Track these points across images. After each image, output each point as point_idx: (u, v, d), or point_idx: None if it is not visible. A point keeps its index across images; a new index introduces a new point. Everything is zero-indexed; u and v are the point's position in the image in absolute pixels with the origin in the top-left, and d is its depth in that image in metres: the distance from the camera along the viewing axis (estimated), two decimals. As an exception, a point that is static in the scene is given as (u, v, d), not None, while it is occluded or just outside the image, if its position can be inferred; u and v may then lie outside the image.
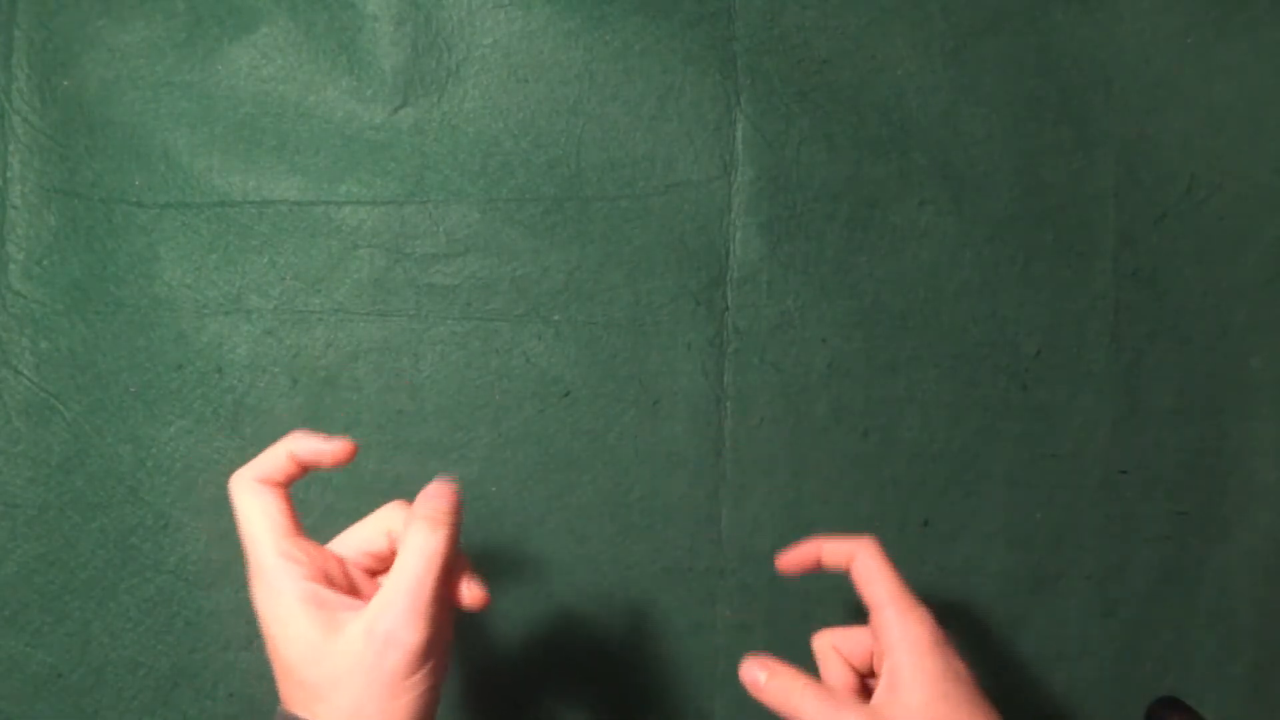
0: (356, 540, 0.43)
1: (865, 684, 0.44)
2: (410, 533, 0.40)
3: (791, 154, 0.54)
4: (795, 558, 0.45)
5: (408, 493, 0.53)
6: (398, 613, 0.38)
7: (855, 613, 0.54)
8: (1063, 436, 0.54)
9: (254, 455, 0.53)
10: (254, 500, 0.41)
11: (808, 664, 0.54)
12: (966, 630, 0.54)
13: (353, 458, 0.43)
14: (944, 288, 0.54)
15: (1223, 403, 0.54)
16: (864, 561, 0.42)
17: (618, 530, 0.53)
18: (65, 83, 0.53)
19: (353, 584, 0.42)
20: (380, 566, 0.43)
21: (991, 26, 0.55)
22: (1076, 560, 0.54)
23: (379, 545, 0.43)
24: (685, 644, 0.53)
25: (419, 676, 0.38)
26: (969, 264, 0.54)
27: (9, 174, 0.53)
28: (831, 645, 0.45)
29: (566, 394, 0.54)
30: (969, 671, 0.41)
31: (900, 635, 0.40)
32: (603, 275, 0.54)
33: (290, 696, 0.39)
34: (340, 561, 0.42)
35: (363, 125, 0.54)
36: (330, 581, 0.40)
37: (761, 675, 0.42)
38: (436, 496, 0.41)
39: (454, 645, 0.43)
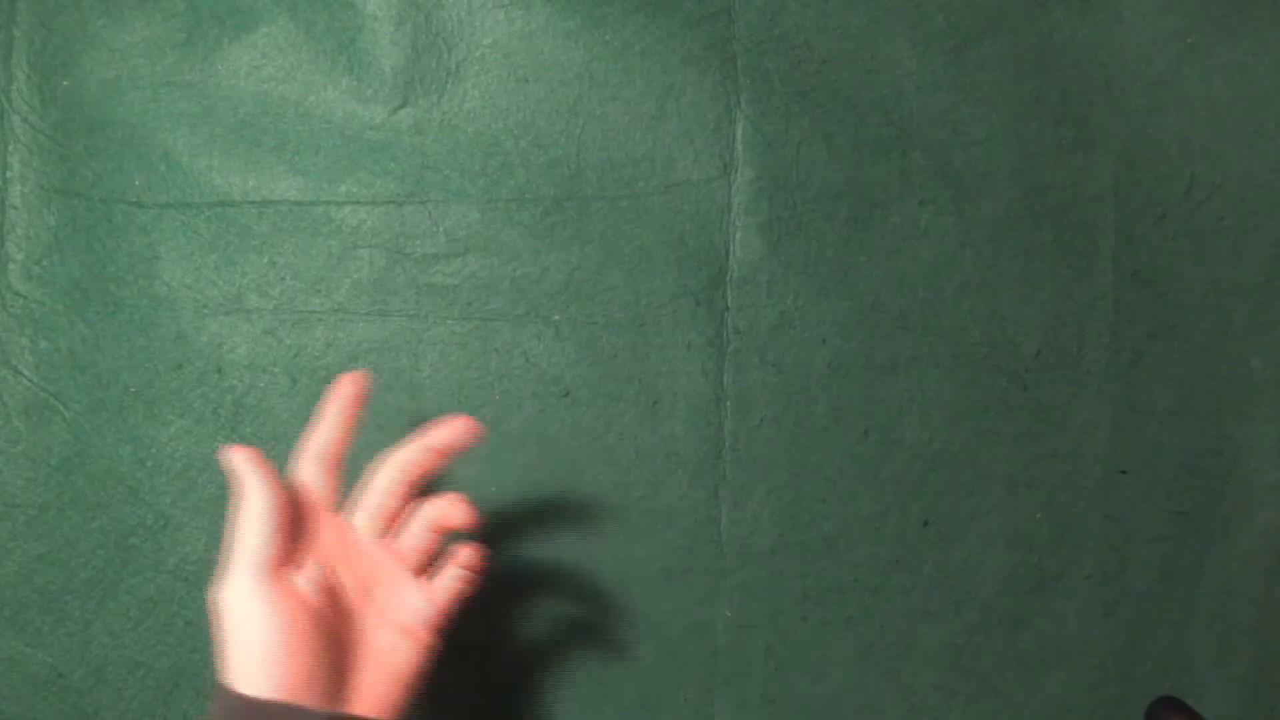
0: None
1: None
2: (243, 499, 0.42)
3: (791, 154, 0.54)
4: None
5: (408, 493, 0.53)
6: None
7: (854, 616, 0.54)
8: (1063, 436, 0.54)
9: (254, 455, 0.53)
10: None
11: (809, 666, 0.54)
12: (967, 630, 0.54)
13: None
14: (944, 288, 0.54)
15: (1223, 403, 0.54)
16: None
17: (618, 530, 0.53)
18: (65, 83, 0.53)
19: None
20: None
21: (991, 26, 0.55)
22: (1076, 560, 0.54)
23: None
24: (685, 644, 0.53)
25: (259, 611, 0.39)
26: (969, 264, 0.54)
27: (9, 174, 0.53)
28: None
29: (566, 394, 0.54)
30: None
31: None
32: (603, 275, 0.54)
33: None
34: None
35: (363, 125, 0.54)
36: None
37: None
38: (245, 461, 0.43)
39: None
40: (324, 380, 0.53)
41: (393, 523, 0.46)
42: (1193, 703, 0.52)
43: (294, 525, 0.43)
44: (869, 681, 0.54)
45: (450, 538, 0.46)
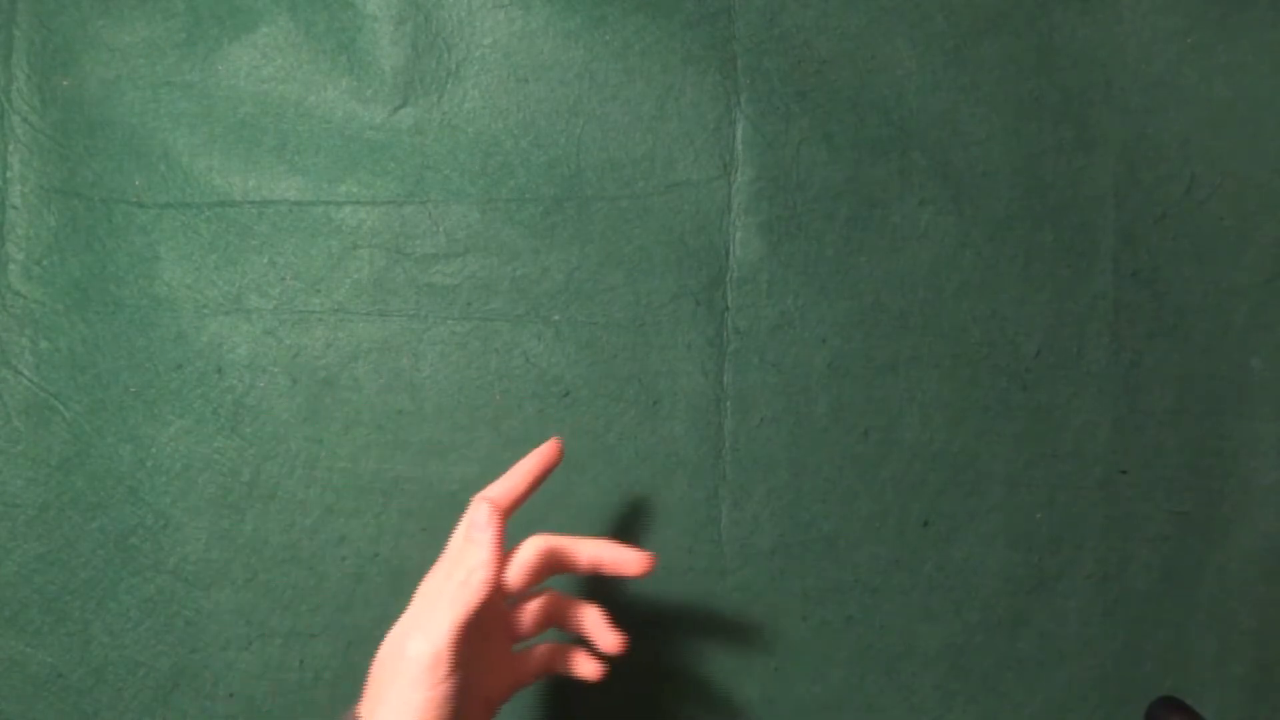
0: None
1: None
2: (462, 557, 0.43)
3: (791, 154, 0.54)
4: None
5: (407, 493, 0.53)
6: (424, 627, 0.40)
7: (854, 616, 0.54)
8: (1063, 436, 0.54)
9: (254, 455, 0.53)
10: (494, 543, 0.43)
11: (809, 666, 0.54)
12: (967, 630, 0.54)
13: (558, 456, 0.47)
14: (944, 288, 0.54)
15: (1223, 403, 0.54)
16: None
17: (618, 530, 0.53)
18: (65, 83, 0.53)
19: None
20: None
21: (991, 26, 0.55)
22: (1076, 560, 0.54)
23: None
24: (685, 644, 0.53)
25: (433, 689, 0.39)
26: (969, 264, 0.54)
27: (9, 174, 0.53)
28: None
29: (566, 394, 0.54)
30: None
31: None
32: (603, 275, 0.54)
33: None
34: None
35: (363, 125, 0.54)
36: None
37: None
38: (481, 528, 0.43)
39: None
40: (324, 380, 0.53)
41: (517, 591, 0.46)
42: (1193, 703, 0.52)
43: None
44: (869, 681, 0.54)
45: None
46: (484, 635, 0.43)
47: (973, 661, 0.54)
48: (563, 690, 0.53)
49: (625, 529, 0.53)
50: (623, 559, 0.45)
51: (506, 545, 0.44)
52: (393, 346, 0.54)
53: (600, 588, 0.53)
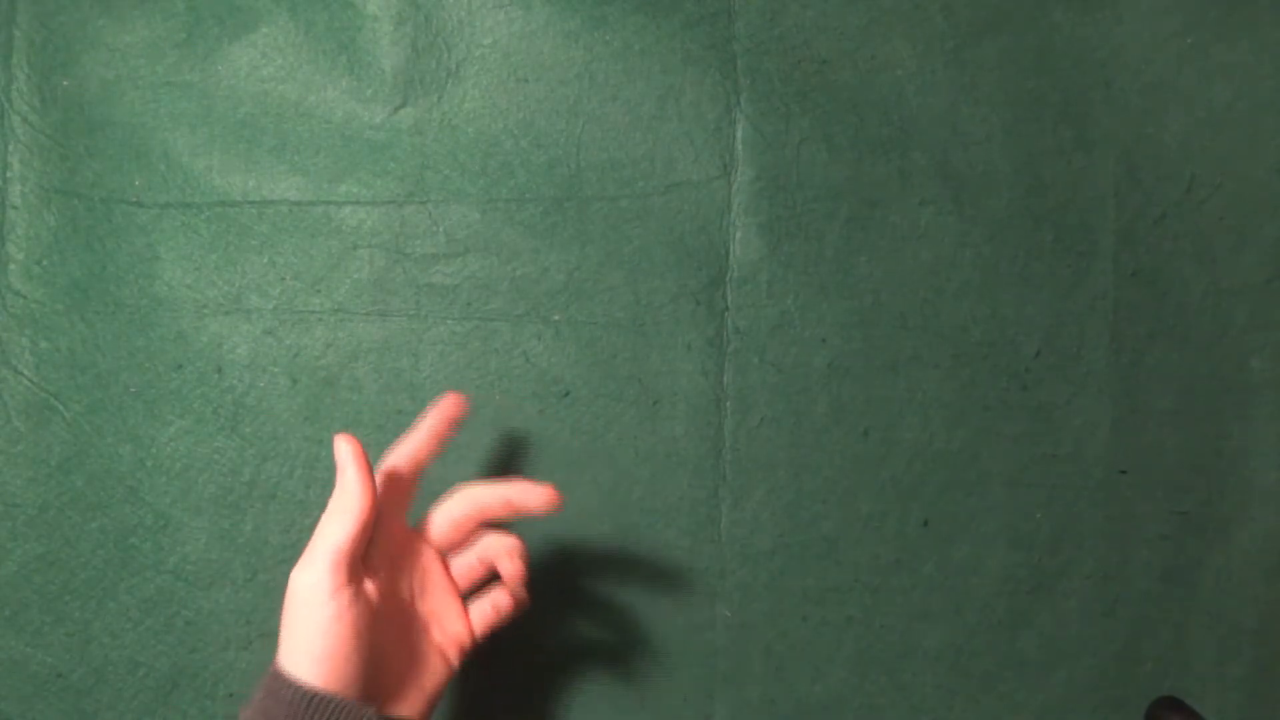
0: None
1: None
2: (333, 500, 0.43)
3: (791, 154, 0.54)
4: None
5: (408, 493, 0.53)
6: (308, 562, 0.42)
7: (854, 616, 0.54)
8: (1063, 436, 0.54)
9: (254, 455, 0.53)
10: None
11: (809, 666, 0.54)
12: (967, 630, 0.54)
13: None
14: (944, 288, 0.54)
15: (1223, 403, 0.54)
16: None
17: (618, 530, 0.53)
18: (65, 83, 0.53)
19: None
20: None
21: (991, 26, 0.55)
22: (1076, 560, 0.54)
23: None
24: (685, 644, 0.53)
25: (326, 605, 0.40)
26: (969, 264, 0.54)
27: (9, 174, 0.53)
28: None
29: (566, 394, 0.54)
30: None
31: None
32: (603, 275, 0.54)
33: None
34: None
35: (363, 125, 0.54)
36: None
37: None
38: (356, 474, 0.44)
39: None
40: (324, 380, 0.53)
41: (454, 548, 0.47)
42: (1193, 703, 0.52)
43: (376, 528, 0.44)
44: (869, 681, 0.54)
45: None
46: (422, 588, 0.46)
47: (973, 661, 0.54)
48: (562, 689, 0.53)
49: (625, 529, 0.53)
50: (528, 494, 0.46)
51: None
52: (393, 346, 0.54)
53: (599, 589, 0.53)
